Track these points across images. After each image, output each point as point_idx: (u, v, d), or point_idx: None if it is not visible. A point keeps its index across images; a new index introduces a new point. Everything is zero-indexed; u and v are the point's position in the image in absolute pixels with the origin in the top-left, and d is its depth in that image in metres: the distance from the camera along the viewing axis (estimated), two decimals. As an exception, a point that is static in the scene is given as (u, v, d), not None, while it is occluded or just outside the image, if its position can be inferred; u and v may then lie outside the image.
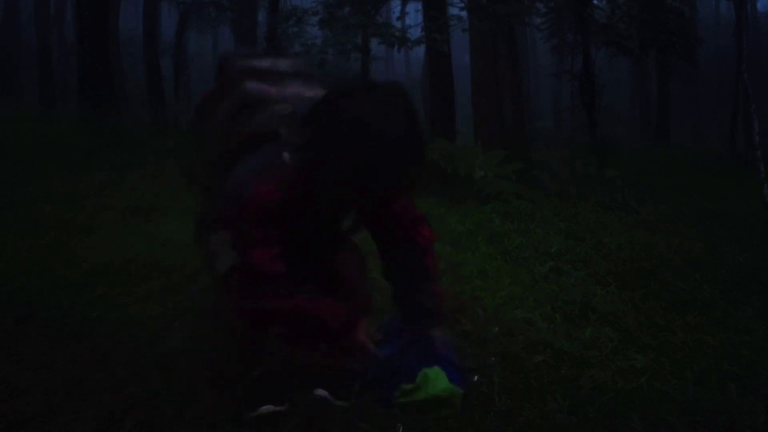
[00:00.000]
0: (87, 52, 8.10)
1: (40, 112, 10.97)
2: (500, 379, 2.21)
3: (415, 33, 8.71)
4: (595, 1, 10.30)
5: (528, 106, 14.71)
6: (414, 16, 15.60)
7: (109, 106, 7.98)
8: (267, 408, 1.83)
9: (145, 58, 13.11)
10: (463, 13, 8.19)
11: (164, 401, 1.90)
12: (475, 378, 2.21)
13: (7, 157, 5.71)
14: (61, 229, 3.79)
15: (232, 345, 2.14)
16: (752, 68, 10.05)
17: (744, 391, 2.19)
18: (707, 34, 18.46)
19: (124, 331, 2.40)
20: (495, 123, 8.63)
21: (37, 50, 13.94)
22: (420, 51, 16.70)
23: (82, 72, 8.22)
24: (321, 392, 1.96)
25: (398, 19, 10.11)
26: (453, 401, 1.93)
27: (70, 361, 2.13)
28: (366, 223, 1.97)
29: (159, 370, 2.09)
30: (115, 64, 11.27)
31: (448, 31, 7.52)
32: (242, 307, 1.72)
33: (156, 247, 3.51)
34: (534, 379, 2.24)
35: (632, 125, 18.31)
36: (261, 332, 1.83)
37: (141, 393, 1.93)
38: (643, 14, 9.64)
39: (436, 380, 1.89)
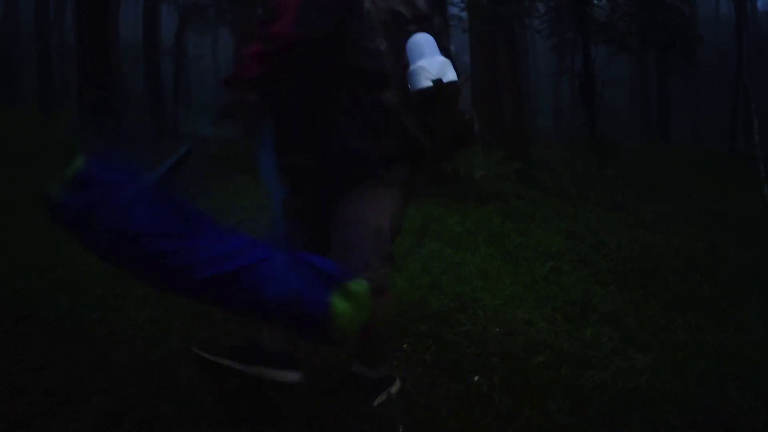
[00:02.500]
0: (87, 55, 8.11)
1: (40, 114, 10.99)
2: (500, 379, 2.20)
3: (415, 33, 8.71)
4: (595, 1, 10.30)
5: (528, 105, 14.72)
6: (414, 16, 15.62)
7: (108, 109, 7.98)
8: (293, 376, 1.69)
9: (144, 60, 13.12)
10: (464, 14, 8.20)
11: (163, 402, 1.90)
12: (476, 378, 2.21)
13: (7, 159, 5.71)
14: (60, 231, 3.79)
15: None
16: (752, 68, 10.06)
17: (744, 390, 2.19)
18: (707, 34, 18.46)
19: (124, 332, 2.40)
20: (495, 122, 8.63)
21: (36, 53, 13.95)
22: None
23: (81, 75, 8.22)
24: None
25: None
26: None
27: (70, 362, 2.13)
28: None
29: (158, 370, 2.09)
30: (115, 67, 11.27)
31: (448, 32, 7.52)
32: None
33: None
34: (534, 379, 2.24)
35: (632, 125, 18.31)
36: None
37: (140, 393, 1.93)
38: (643, 13, 9.65)
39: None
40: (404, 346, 2.45)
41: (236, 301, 1.51)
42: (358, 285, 1.51)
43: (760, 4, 27.06)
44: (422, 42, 1.74)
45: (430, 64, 1.69)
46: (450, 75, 1.69)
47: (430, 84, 1.68)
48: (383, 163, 1.78)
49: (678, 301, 3.31)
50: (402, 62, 1.74)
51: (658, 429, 1.95)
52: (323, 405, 1.93)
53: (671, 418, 2.00)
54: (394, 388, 2.01)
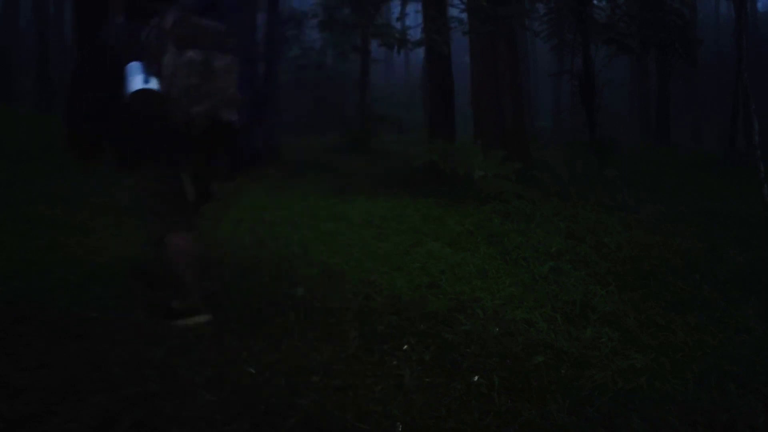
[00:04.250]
0: (86, 54, 8.08)
1: (39, 113, 10.96)
2: (500, 379, 2.20)
3: (415, 34, 8.71)
4: (595, 1, 10.30)
5: (528, 105, 14.70)
6: (414, 17, 15.59)
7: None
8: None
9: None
10: (463, 15, 8.18)
11: (162, 401, 1.89)
12: (475, 378, 2.20)
13: (6, 158, 5.71)
14: (59, 230, 3.79)
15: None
16: (752, 68, 10.04)
17: (744, 391, 2.19)
18: (707, 34, 18.42)
19: (122, 331, 2.40)
20: (495, 123, 8.62)
21: (35, 52, 13.93)
22: (419, 52, 16.70)
23: (81, 73, 8.19)
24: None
25: (398, 20, 10.11)
26: None
27: (68, 361, 2.12)
28: None
29: (157, 370, 2.09)
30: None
31: (448, 33, 7.51)
32: None
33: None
34: (534, 379, 2.23)
35: (632, 125, 18.30)
36: None
37: (138, 393, 1.92)
38: (643, 13, 9.64)
39: None
40: (404, 347, 2.45)
41: None
42: None
43: (760, 4, 27.04)
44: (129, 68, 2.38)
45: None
46: (133, 86, 2.33)
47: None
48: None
49: (678, 301, 3.31)
50: None
51: (658, 429, 1.95)
52: (322, 404, 1.92)
53: (671, 418, 1.99)
54: (198, 320, 2.53)
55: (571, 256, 3.93)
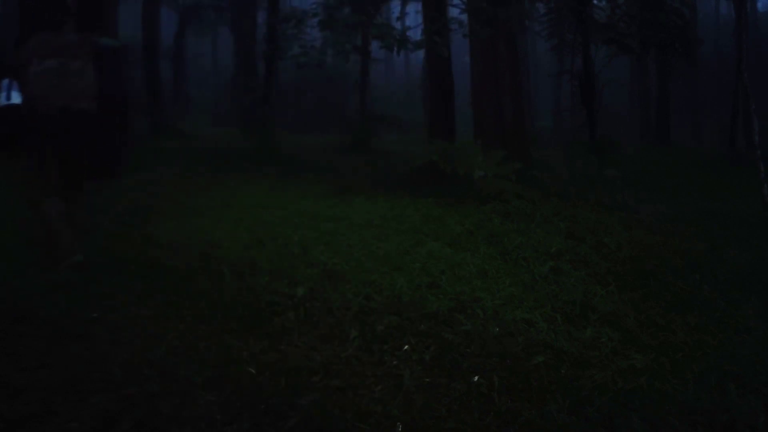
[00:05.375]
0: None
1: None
2: (500, 379, 2.20)
3: (415, 34, 8.70)
4: (595, 1, 10.30)
5: (528, 106, 14.69)
6: (414, 17, 15.59)
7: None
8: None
9: (143, 61, 13.09)
10: (463, 16, 8.17)
11: (162, 401, 1.89)
12: (476, 378, 2.20)
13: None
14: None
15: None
16: (752, 68, 10.02)
17: (744, 391, 2.19)
18: (707, 34, 18.40)
19: (122, 331, 2.40)
20: (495, 123, 8.61)
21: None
22: (420, 52, 16.70)
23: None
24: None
25: (398, 19, 10.11)
26: None
27: (68, 361, 2.13)
28: None
29: (157, 369, 2.09)
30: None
31: (448, 34, 7.51)
32: None
33: (154, 248, 3.51)
34: (534, 379, 2.23)
35: (632, 125, 18.28)
36: None
37: (139, 393, 1.92)
38: (643, 13, 9.64)
39: None
40: (404, 347, 2.45)
41: None
42: None
43: (760, 4, 26.97)
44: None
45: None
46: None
47: None
48: None
49: (678, 301, 3.31)
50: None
51: (658, 429, 1.95)
52: (322, 404, 1.92)
53: (671, 418, 1.99)
54: (74, 259, 3.04)
55: (571, 256, 3.93)
